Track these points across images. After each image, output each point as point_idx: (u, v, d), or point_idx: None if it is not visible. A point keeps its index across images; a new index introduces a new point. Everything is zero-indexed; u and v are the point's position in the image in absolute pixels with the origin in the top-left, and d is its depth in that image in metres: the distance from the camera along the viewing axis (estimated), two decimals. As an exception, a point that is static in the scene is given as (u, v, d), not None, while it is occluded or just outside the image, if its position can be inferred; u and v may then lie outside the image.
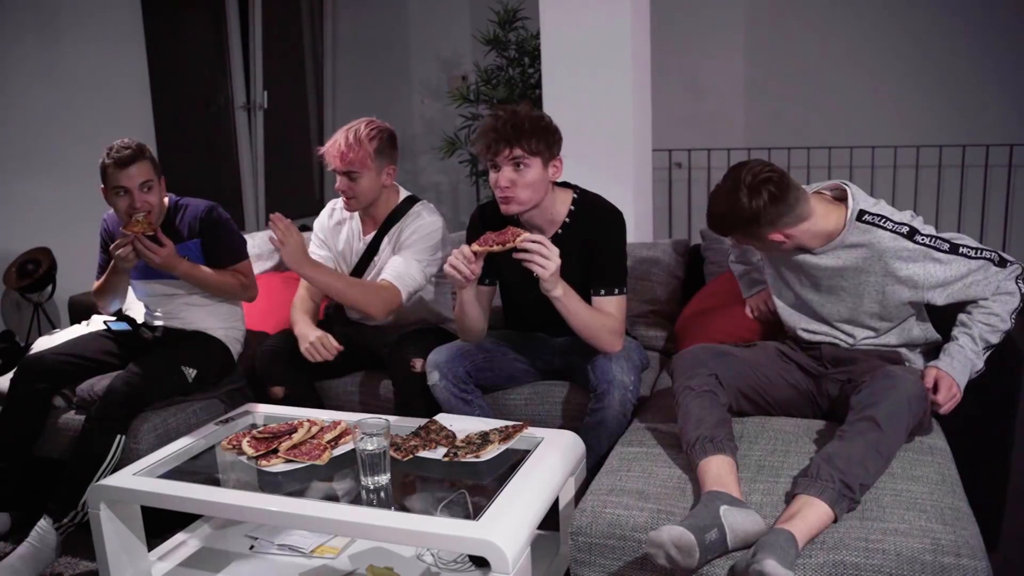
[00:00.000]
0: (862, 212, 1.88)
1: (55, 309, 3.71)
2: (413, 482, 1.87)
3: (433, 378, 2.17)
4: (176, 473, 1.93)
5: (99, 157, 2.33)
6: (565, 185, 2.23)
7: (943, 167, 4.76)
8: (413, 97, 5.76)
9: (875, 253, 1.88)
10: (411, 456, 1.87)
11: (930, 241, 1.86)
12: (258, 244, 2.94)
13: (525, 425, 1.98)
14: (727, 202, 1.84)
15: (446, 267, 2.01)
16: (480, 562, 1.83)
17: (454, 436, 1.95)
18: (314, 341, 2.32)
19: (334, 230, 2.61)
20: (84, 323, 2.81)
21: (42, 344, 2.62)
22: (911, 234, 1.86)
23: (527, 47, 4.72)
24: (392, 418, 1.98)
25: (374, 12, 5.74)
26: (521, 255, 1.93)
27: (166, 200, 2.47)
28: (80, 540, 2.18)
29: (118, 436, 2.19)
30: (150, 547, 1.99)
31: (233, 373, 2.57)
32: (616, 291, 2.14)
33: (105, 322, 2.53)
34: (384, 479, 1.74)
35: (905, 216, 1.90)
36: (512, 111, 2.07)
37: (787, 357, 2.04)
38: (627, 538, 1.57)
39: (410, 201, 2.53)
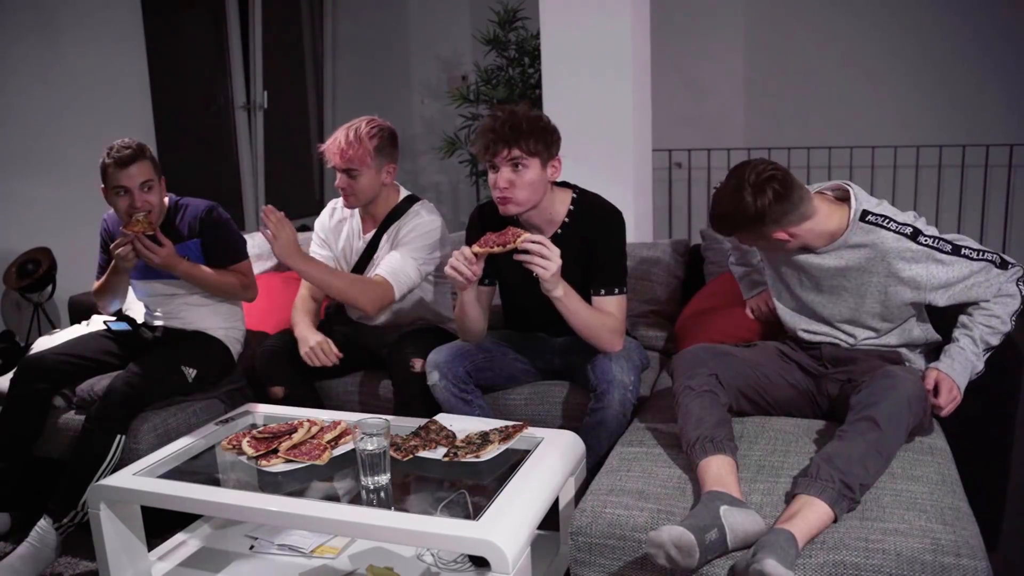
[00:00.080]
0: (865, 212, 1.88)
1: (55, 309, 3.71)
2: (413, 482, 1.87)
3: (433, 378, 2.17)
4: (176, 473, 1.93)
5: (99, 157, 2.33)
6: (564, 185, 2.23)
7: (943, 167, 4.76)
8: (413, 97, 5.76)
9: (878, 253, 1.88)
10: (411, 456, 1.87)
11: (933, 242, 1.86)
12: (258, 244, 2.94)
13: (525, 425, 1.98)
14: (731, 201, 1.83)
15: (447, 269, 2.01)
16: (480, 562, 1.82)
17: (454, 436, 1.95)
18: (314, 346, 2.32)
19: (335, 230, 2.61)
20: (84, 323, 2.81)
21: (42, 344, 2.62)
22: (914, 235, 1.86)
23: (527, 47, 4.72)
24: (392, 418, 1.98)
25: (374, 12, 5.75)
26: (522, 256, 1.93)
27: (166, 200, 2.47)
28: (80, 540, 2.18)
29: (118, 436, 2.19)
30: (150, 547, 1.99)
31: (233, 373, 2.57)
32: (616, 291, 2.14)
33: (105, 322, 2.53)
34: (384, 479, 1.74)
35: (908, 217, 1.90)
36: (510, 111, 2.07)
37: (787, 357, 2.04)
38: (627, 538, 1.57)
39: (410, 200, 2.53)
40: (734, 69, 5.11)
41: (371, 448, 1.71)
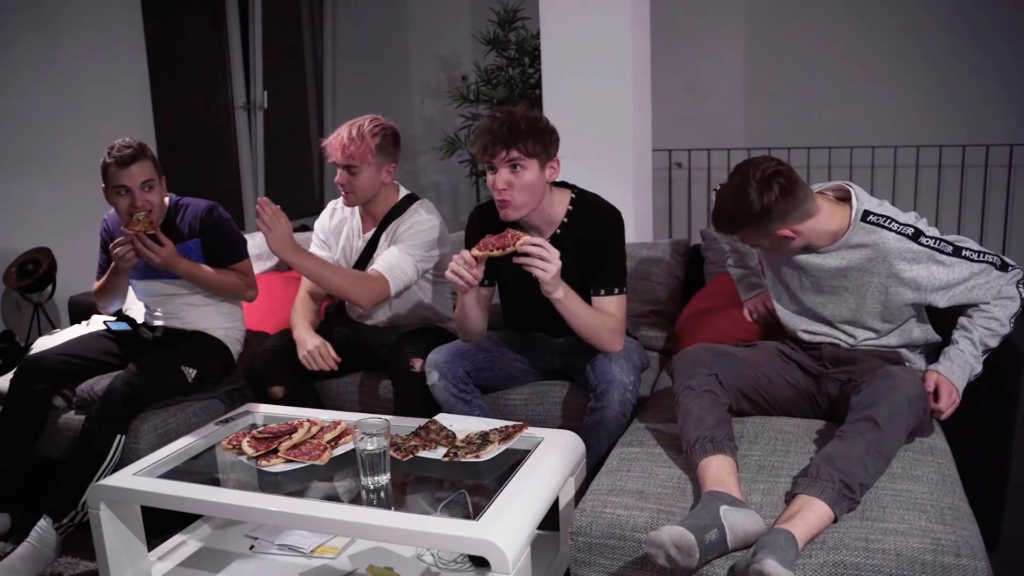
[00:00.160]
0: (867, 212, 1.88)
1: (55, 309, 3.71)
2: (413, 482, 1.87)
3: (432, 378, 2.17)
4: (176, 473, 1.93)
5: (99, 157, 2.33)
6: (563, 185, 2.23)
7: (943, 167, 4.76)
8: (413, 97, 5.76)
9: (879, 254, 1.88)
10: (411, 456, 1.87)
11: (934, 243, 1.86)
12: (258, 244, 2.94)
13: (525, 425, 1.98)
14: (736, 198, 1.82)
15: (448, 273, 2.01)
16: (480, 562, 1.82)
17: (454, 436, 1.95)
18: (311, 350, 2.33)
19: (335, 231, 2.61)
20: (84, 323, 2.81)
21: (42, 344, 2.62)
22: (916, 236, 1.86)
23: (527, 47, 4.72)
24: (392, 418, 1.98)
25: (374, 12, 5.75)
26: (521, 259, 1.93)
27: (166, 200, 2.47)
28: (80, 540, 2.18)
29: (118, 436, 2.19)
30: (150, 547, 1.99)
31: (233, 373, 2.57)
32: (616, 291, 2.14)
33: (105, 322, 2.53)
34: (384, 479, 1.74)
35: (910, 217, 1.90)
36: (508, 112, 2.06)
37: (787, 357, 2.04)
38: (627, 538, 1.57)
39: (409, 199, 2.53)
40: (734, 69, 5.11)
41: (371, 448, 1.71)
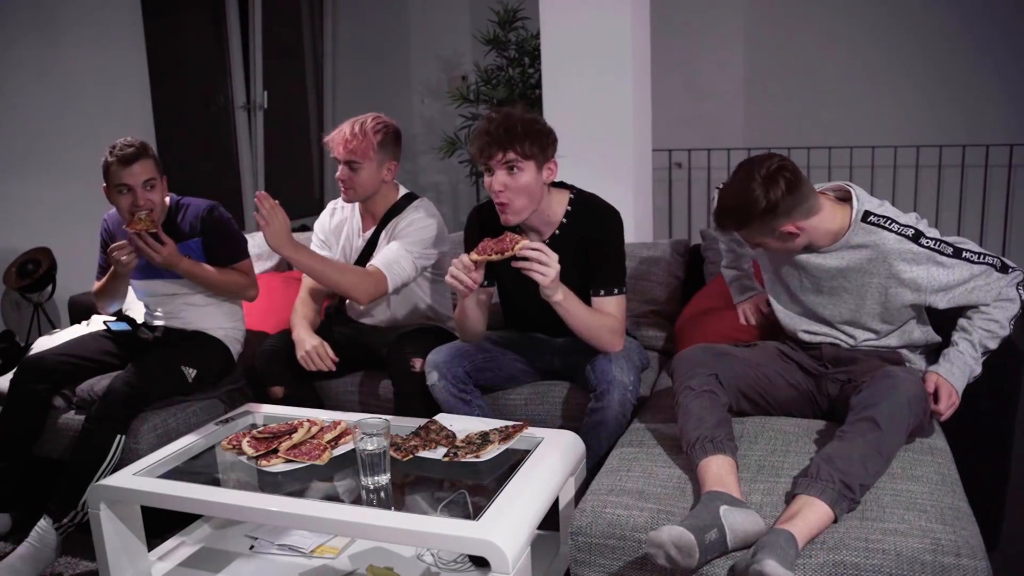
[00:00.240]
0: (867, 213, 1.88)
1: (55, 309, 3.71)
2: (413, 482, 1.87)
3: (432, 378, 2.17)
4: (176, 473, 1.93)
5: (99, 157, 2.33)
6: (562, 185, 2.23)
7: (943, 167, 4.76)
8: (413, 97, 5.76)
9: (879, 254, 1.88)
10: (411, 456, 1.87)
11: (934, 244, 1.86)
12: (258, 244, 2.94)
13: (525, 425, 1.98)
14: (742, 194, 1.81)
15: (447, 278, 2.01)
16: (480, 562, 1.82)
17: (454, 436, 1.95)
18: (309, 350, 2.33)
19: (335, 231, 2.62)
20: (84, 323, 2.81)
21: (42, 344, 2.62)
22: (916, 237, 1.86)
23: (527, 47, 4.72)
24: (392, 418, 1.98)
25: (374, 12, 5.75)
26: (520, 263, 1.93)
27: (167, 199, 2.47)
28: (80, 540, 2.18)
29: (118, 436, 2.19)
30: (150, 547, 1.99)
31: (233, 373, 2.57)
32: (615, 291, 2.14)
33: (105, 322, 2.53)
34: (384, 479, 1.74)
35: (910, 218, 1.90)
36: (505, 114, 2.06)
37: (787, 357, 2.04)
38: (627, 538, 1.57)
39: (409, 198, 2.53)
40: (734, 69, 5.11)
41: (371, 448, 1.71)
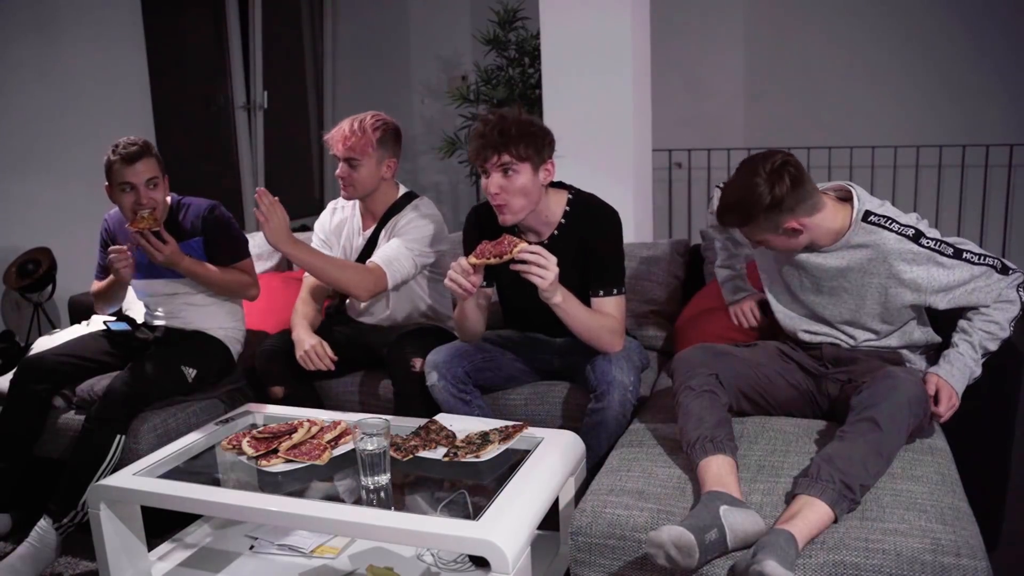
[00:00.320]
0: (868, 213, 1.88)
1: (55, 309, 3.71)
2: (413, 482, 1.87)
3: (432, 378, 2.17)
4: (176, 473, 1.93)
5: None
6: (560, 185, 2.23)
7: (943, 167, 4.76)
8: (413, 97, 5.76)
9: (880, 254, 1.88)
10: (411, 456, 1.87)
11: (935, 245, 1.86)
12: (258, 244, 2.94)
13: (525, 425, 1.98)
14: (745, 189, 1.81)
15: (446, 281, 2.01)
16: (480, 562, 1.82)
17: (454, 436, 1.95)
18: (308, 350, 2.33)
19: (335, 230, 2.62)
20: (84, 323, 2.81)
21: (42, 344, 2.62)
22: (916, 237, 1.86)
23: (527, 47, 4.72)
24: (392, 418, 1.98)
25: (374, 12, 5.75)
26: (519, 266, 1.93)
27: (168, 199, 2.47)
28: (80, 540, 2.18)
29: (118, 436, 2.19)
30: (150, 547, 1.99)
31: (233, 373, 2.57)
32: (615, 291, 2.14)
33: (105, 322, 2.53)
34: (384, 479, 1.74)
35: (911, 219, 1.90)
36: (500, 116, 2.06)
37: (787, 357, 2.04)
38: (627, 538, 1.57)
39: (408, 196, 2.54)
40: (734, 69, 5.11)
41: (371, 448, 1.71)
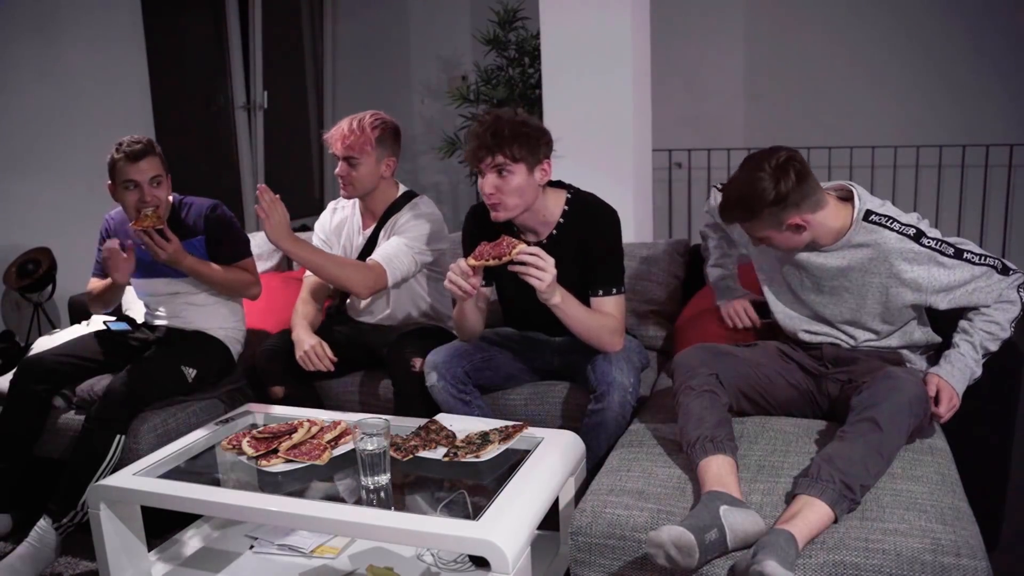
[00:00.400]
0: (869, 212, 1.88)
1: (55, 309, 3.71)
2: (413, 482, 1.87)
3: (432, 379, 2.17)
4: (176, 473, 1.93)
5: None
6: (559, 184, 2.23)
7: (943, 167, 4.76)
8: (413, 97, 5.76)
9: (881, 254, 1.88)
10: (411, 456, 1.87)
11: (936, 244, 1.86)
12: (259, 244, 2.94)
13: (525, 425, 1.98)
14: (750, 184, 1.81)
15: (446, 283, 2.01)
16: (480, 562, 1.82)
17: (454, 436, 1.95)
18: (308, 350, 2.33)
19: (336, 229, 2.63)
20: (84, 323, 2.81)
21: (42, 344, 2.62)
22: (917, 236, 1.86)
23: (527, 47, 4.72)
24: (392, 418, 1.98)
25: (374, 12, 5.75)
26: (517, 267, 1.93)
27: (170, 199, 2.47)
28: (80, 540, 2.18)
29: (118, 436, 2.19)
30: (150, 547, 1.99)
31: (233, 373, 2.57)
32: (614, 291, 2.14)
33: (105, 322, 2.53)
34: (384, 479, 1.74)
35: (912, 218, 1.90)
36: (495, 117, 2.06)
37: (788, 357, 2.04)
38: (627, 538, 1.57)
39: (408, 195, 2.54)
40: (734, 69, 5.11)
41: (371, 448, 1.71)
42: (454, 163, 5.25)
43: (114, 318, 2.54)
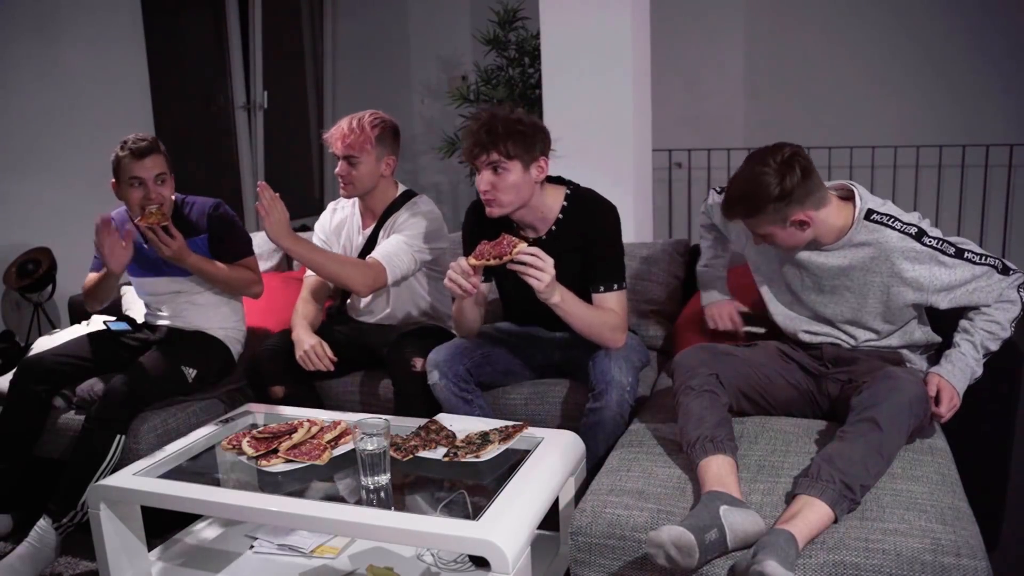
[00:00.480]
0: (870, 211, 1.88)
1: (55, 309, 3.71)
2: (413, 482, 1.87)
3: (433, 377, 2.17)
4: (176, 473, 1.93)
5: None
6: (559, 181, 2.23)
7: (943, 167, 4.76)
8: (413, 97, 5.76)
9: (882, 253, 1.88)
10: (411, 456, 1.87)
11: (937, 244, 1.86)
12: (259, 244, 2.94)
13: (525, 425, 1.98)
14: (754, 180, 1.81)
15: (446, 282, 2.02)
16: (480, 562, 1.82)
17: (454, 436, 1.95)
18: (308, 350, 2.33)
19: (336, 229, 2.63)
20: (84, 323, 2.81)
21: (42, 344, 2.62)
22: (919, 235, 1.86)
23: (527, 47, 4.72)
24: (392, 418, 1.98)
25: (374, 12, 5.75)
26: (516, 267, 1.93)
27: (173, 197, 2.48)
28: (80, 540, 2.18)
29: (118, 436, 2.19)
30: (150, 547, 1.99)
31: (233, 373, 2.57)
32: (615, 286, 2.14)
33: (105, 322, 2.53)
34: (384, 479, 1.74)
35: (913, 217, 1.90)
36: (491, 114, 2.07)
37: (788, 356, 2.04)
38: (627, 538, 1.57)
39: (407, 195, 2.54)
40: (734, 69, 5.11)
41: (371, 448, 1.71)
42: (454, 163, 5.25)
43: (114, 318, 2.54)
